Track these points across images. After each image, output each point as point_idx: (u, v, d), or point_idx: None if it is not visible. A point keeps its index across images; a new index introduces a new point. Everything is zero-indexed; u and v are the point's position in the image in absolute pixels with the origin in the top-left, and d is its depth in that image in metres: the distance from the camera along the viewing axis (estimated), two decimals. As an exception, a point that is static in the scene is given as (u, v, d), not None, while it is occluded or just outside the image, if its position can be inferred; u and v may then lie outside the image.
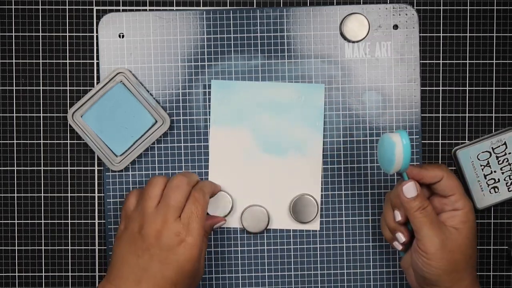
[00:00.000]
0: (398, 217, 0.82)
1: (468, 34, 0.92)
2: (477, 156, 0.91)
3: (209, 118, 0.92)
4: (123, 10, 0.92)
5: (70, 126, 0.91)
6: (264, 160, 0.92)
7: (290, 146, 0.92)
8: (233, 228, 0.92)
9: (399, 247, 0.83)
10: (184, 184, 0.84)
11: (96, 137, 0.90)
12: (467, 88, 0.92)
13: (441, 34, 0.92)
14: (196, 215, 0.83)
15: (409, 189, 0.80)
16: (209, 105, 0.91)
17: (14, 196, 0.92)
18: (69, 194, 0.92)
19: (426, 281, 0.81)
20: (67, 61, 0.92)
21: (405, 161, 0.77)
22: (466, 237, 0.80)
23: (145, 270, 0.81)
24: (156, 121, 0.90)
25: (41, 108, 0.92)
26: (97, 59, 0.92)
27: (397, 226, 0.83)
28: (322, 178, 0.92)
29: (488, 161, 0.91)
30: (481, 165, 0.92)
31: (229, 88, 0.91)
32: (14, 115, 0.92)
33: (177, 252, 0.81)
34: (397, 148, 0.77)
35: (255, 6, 0.92)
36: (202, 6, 0.92)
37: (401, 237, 0.83)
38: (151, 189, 0.84)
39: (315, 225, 0.92)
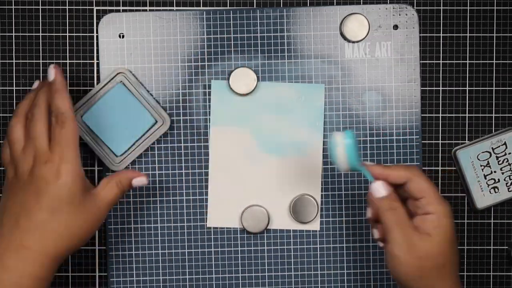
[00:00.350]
0: (368, 214, 0.81)
1: (468, 34, 0.92)
2: (477, 156, 0.91)
3: (209, 118, 0.92)
4: (123, 10, 0.92)
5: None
6: (264, 160, 0.92)
7: (290, 146, 0.92)
8: (233, 228, 0.92)
9: (379, 244, 0.83)
10: (41, 113, 0.80)
11: (96, 137, 0.90)
12: (467, 88, 0.92)
13: (441, 34, 0.92)
14: (64, 139, 0.79)
15: (377, 189, 0.78)
16: (209, 105, 0.91)
17: (14, 196, 0.92)
18: (69, 194, 0.92)
19: (398, 284, 0.80)
20: (67, 61, 0.92)
21: (350, 159, 0.78)
22: (438, 244, 0.76)
23: (22, 206, 0.78)
24: (156, 121, 0.90)
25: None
26: (97, 59, 0.92)
27: (372, 222, 0.82)
28: (322, 178, 0.92)
29: (488, 161, 0.91)
30: (481, 165, 0.92)
31: (229, 88, 0.91)
32: (14, 115, 0.92)
33: (53, 182, 0.78)
34: (339, 148, 0.78)
35: (255, 6, 0.92)
36: (202, 6, 0.92)
37: (375, 233, 0.81)
38: (11, 135, 0.81)
39: (315, 225, 0.92)
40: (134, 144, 0.90)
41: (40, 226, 0.78)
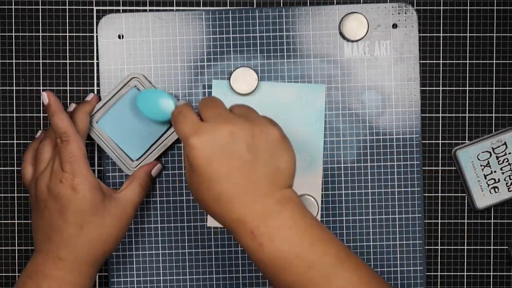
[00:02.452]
0: None
1: (468, 34, 0.92)
2: (477, 156, 0.91)
3: (209, 118, 0.92)
4: (123, 11, 0.92)
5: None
6: (264, 160, 0.92)
7: (289, 146, 0.92)
8: (233, 228, 0.92)
9: None
10: (50, 137, 0.86)
11: (112, 142, 0.90)
12: (467, 88, 0.92)
13: (441, 34, 0.92)
14: (71, 156, 0.82)
15: None
16: (209, 105, 0.92)
17: (14, 196, 0.92)
18: (69, 194, 0.92)
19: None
20: (67, 61, 0.92)
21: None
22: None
23: (51, 225, 0.82)
24: (171, 125, 0.90)
25: (41, 108, 0.92)
26: (97, 59, 0.92)
27: None
28: (322, 178, 0.92)
29: (488, 161, 0.91)
30: (481, 165, 0.91)
31: (230, 89, 0.91)
32: (14, 115, 0.92)
33: (72, 198, 0.82)
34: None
35: (255, 6, 0.92)
36: (202, 6, 0.92)
37: None
38: (40, 155, 0.85)
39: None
40: (149, 148, 0.90)
41: (71, 240, 0.82)
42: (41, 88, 0.92)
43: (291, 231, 0.75)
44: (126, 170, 0.90)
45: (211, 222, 0.92)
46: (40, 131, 0.90)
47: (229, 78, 0.91)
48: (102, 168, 0.92)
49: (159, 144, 0.90)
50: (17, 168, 0.92)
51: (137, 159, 0.90)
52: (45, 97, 0.85)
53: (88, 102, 0.88)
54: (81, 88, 0.92)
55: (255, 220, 0.75)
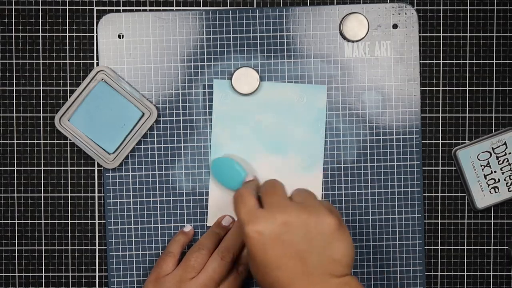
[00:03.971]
0: None
1: (468, 34, 0.92)
2: (477, 156, 0.91)
3: (209, 118, 0.92)
4: (123, 11, 0.92)
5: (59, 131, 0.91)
6: (265, 160, 0.92)
7: (291, 146, 0.92)
8: (233, 228, 0.92)
9: None
10: (209, 249, 0.89)
11: (86, 138, 0.90)
12: (467, 88, 0.92)
13: (441, 34, 0.92)
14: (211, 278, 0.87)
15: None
16: (209, 105, 0.92)
17: (14, 196, 0.92)
18: (69, 194, 0.92)
19: None
20: (67, 61, 0.92)
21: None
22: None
23: None
24: (144, 113, 0.90)
25: (41, 108, 0.92)
26: (97, 59, 0.92)
27: None
28: (322, 179, 0.92)
29: (488, 161, 0.91)
30: (481, 165, 0.91)
31: (231, 88, 0.91)
32: (14, 115, 0.92)
33: None
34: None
35: (255, 6, 0.92)
36: (202, 6, 0.92)
37: None
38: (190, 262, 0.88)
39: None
40: (125, 139, 0.90)
41: None
42: (41, 88, 0.92)
43: None
44: (104, 164, 0.90)
45: (211, 222, 0.92)
46: (190, 227, 0.92)
47: (230, 78, 0.91)
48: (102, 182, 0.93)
49: (134, 134, 0.90)
50: (17, 168, 0.92)
51: (113, 152, 0.90)
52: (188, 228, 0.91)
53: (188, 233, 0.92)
54: (81, 88, 0.92)
55: None
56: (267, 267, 0.76)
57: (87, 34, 0.92)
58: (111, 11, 0.92)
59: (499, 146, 0.91)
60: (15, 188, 0.92)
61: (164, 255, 0.89)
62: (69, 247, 0.93)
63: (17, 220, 0.93)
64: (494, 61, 0.92)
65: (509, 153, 0.91)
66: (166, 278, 0.86)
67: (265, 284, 0.77)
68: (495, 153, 0.91)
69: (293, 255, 0.75)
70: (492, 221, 0.93)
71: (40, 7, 0.92)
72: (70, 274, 0.93)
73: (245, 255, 0.89)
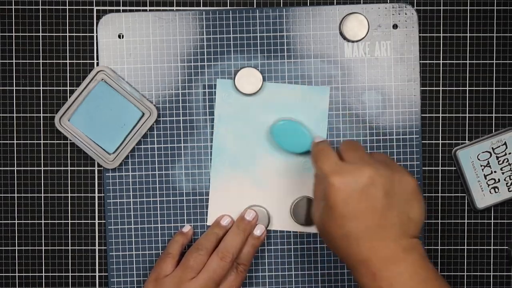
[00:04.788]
0: None
1: (468, 34, 0.92)
2: (477, 156, 0.91)
3: (209, 118, 0.92)
4: (123, 11, 0.92)
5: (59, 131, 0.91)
6: (266, 160, 0.92)
7: (290, 146, 0.92)
8: (233, 228, 0.92)
9: None
10: (208, 249, 0.89)
11: (86, 138, 0.90)
12: (467, 88, 0.92)
13: (441, 34, 0.92)
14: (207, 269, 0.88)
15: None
16: (209, 105, 0.92)
17: (14, 196, 0.92)
18: (69, 194, 0.92)
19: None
20: (67, 61, 0.92)
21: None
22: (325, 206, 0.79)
23: None
24: (144, 114, 0.90)
25: (41, 108, 0.92)
26: (97, 59, 0.92)
27: None
28: (322, 178, 0.92)
29: (488, 161, 0.91)
30: (481, 165, 0.91)
31: (234, 88, 0.91)
32: (14, 115, 0.92)
33: None
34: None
35: (255, 6, 0.92)
36: (202, 6, 0.92)
37: None
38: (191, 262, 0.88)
39: (315, 228, 0.92)
40: (125, 139, 0.90)
41: None
42: (41, 88, 0.92)
43: (411, 279, 0.76)
44: (104, 164, 0.90)
45: (211, 222, 0.92)
46: (189, 227, 0.92)
47: (232, 78, 0.91)
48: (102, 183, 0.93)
49: (134, 134, 0.90)
50: (17, 168, 0.92)
51: (114, 152, 0.90)
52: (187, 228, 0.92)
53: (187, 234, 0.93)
54: (81, 88, 0.92)
55: (379, 263, 0.77)
56: (345, 218, 0.77)
57: (87, 34, 0.92)
58: (111, 11, 0.92)
59: (499, 146, 0.91)
60: (15, 188, 0.92)
61: (163, 256, 0.89)
62: (69, 247, 0.93)
63: (17, 220, 0.93)
64: (494, 61, 0.92)
65: (509, 153, 0.91)
66: (166, 279, 0.86)
67: (337, 236, 0.78)
68: (495, 153, 0.91)
69: (374, 208, 0.77)
70: (492, 221, 0.93)
71: (40, 7, 0.92)
72: (70, 274, 0.93)
73: (245, 255, 0.89)
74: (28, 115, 0.92)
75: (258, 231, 0.90)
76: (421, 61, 0.92)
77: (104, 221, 0.93)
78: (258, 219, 0.91)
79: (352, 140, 0.83)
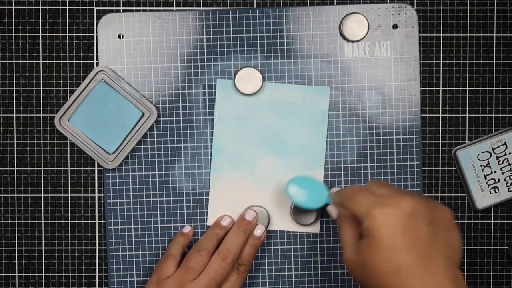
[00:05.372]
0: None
1: (468, 34, 0.92)
2: (477, 156, 0.91)
3: (209, 118, 0.92)
4: (123, 11, 0.92)
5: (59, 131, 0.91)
6: (266, 160, 0.92)
7: (292, 147, 0.92)
8: (233, 228, 0.92)
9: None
10: (209, 250, 0.89)
11: (86, 138, 0.90)
12: (467, 88, 0.92)
13: (441, 34, 0.92)
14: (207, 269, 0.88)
15: (331, 211, 0.86)
16: (209, 105, 0.92)
17: (14, 196, 0.92)
18: (69, 194, 0.92)
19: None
20: (67, 61, 0.92)
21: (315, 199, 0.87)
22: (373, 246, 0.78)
23: None
24: (143, 114, 0.90)
25: (41, 108, 0.92)
26: (97, 59, 0.92)
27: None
28: (323, 179, 0.92)
29: (488, 161, 0.91)
30: (481, 165, 0.91)
31: (234, 88, 0.91)
32: (14, 115, 0.92)
33: None
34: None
35: (255, 6, 0.92)
36: (202, 6, 0.92)
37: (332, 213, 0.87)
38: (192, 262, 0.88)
39: (315, 228, 0.92)
40: (125, 139, 0.90)
41: None
42: (41, 88, 0.92)
43: None
44: (104, 164, 0.90)
45: (211, 222, 0.92)
46: (190, 227, 0.92)
47: (232, 78, 0.91)
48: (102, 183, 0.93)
49: (134, 134, 0.90)
50: (17, 168, 0.92)
51: (114, 152, 0.90)
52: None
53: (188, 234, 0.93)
54: (81, 88, 0.92)
55: None
56: (395, 250, 0.75)
57: (87, 34, 0.92)
58: (111, 11, 0.92)
59: (499, 146, 0.91)
60: (15, 188, 0.92)
61: (164, 257, 0.89)
62: (69, 247, 0.93)
63: (17, 220, 0.93)
64: (494, 61, 0.92)
65: (509, 153, 0.91)
66: (167, 280, 0.86)
67: (386, 271, 0.76)
68: (495, 153, 0.91)
69: (420, 238, 0.75)
70: (492, 221, 0.93)
71: (40, 7, 0.92)
72: (70, 274, 0.93)
73: (246, 255, 0.89)
74: (28, 115, 0.92)
75: (259, 231, 0.90)
76: (421, 61, 0.92)
77: (104, 221, 0.93)
78: (258, 219, 0.91)
79: (378, 179, 0.82)
